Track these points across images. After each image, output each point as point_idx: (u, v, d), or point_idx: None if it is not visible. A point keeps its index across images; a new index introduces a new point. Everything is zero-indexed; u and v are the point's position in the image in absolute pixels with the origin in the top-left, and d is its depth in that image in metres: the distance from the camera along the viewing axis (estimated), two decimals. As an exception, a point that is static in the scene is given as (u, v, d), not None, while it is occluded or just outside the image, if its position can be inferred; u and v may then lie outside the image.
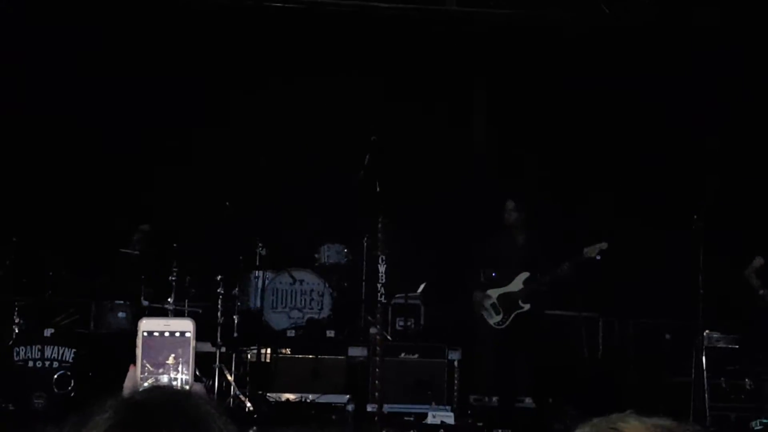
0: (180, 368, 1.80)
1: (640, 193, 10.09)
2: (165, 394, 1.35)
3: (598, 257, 7.88)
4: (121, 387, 1.70)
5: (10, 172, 9.97)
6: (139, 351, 1.78)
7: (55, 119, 10.12)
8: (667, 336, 9.33)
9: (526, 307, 8.17)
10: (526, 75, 10.49)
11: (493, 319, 8.22)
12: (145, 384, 1.76)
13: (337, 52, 10.44)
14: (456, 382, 8.65)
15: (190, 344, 1.81)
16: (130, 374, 1.79)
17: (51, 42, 9.99)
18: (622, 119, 10.30)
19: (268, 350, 9.04)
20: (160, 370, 1.79)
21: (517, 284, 8.21)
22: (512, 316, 8.17)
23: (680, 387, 8.49)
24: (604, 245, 7.90)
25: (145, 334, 1.79)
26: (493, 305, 8.23)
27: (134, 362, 1.80)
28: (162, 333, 1.79)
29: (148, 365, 1.79)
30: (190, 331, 1.81)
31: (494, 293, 8.24)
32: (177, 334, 1.80)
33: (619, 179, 10.22)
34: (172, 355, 1.80)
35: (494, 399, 8.55)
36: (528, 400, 8.52)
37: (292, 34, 10.42)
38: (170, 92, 10.17)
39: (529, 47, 10.45)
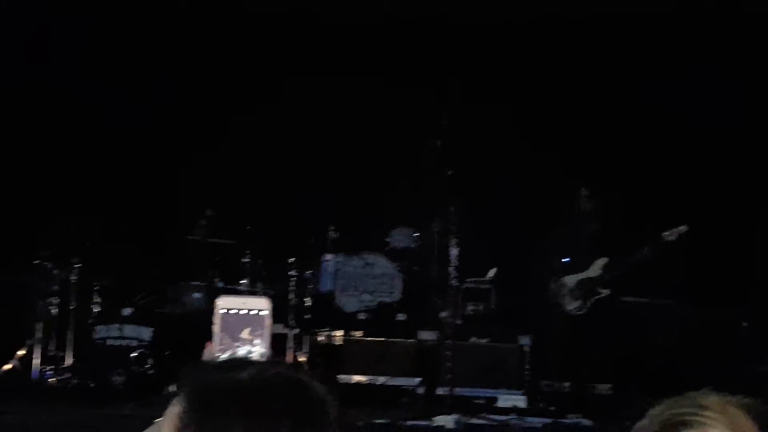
0: (256, 344, 1.85)
1: (719, 177, 9.89)
2: (260, 367, 1.32)
3: (677, 240, 7.79)
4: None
5: (84, 156, 10.20)
6: (216, 328, 1.83)
7: (122, 107, 10.32)
8: (744, 324, 9.15)
9: (605, 293, 8.12)
10: (596, 65, 10.36)
11: (571, 306, 8.18)
12: (221, 359, 1.81)
13: (411, 50, 10.45)
14: (527, 367, 8.63)
15: (266, 322, 1.85)
16: (207, 351, 1.83)
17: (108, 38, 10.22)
18: (699, 103, 10.11)
19: (340, 332, 9.14)
20: (237, 345, 1.84)
21: (595, 270, 8.16)
22: (590, 302, 8.13)
23: (758, 376, 8.33)
24: (683, 228, 7.80)
25: (223, 311, 1.84)
26: (571, 291, 8.18)
27: (211, 339, 1.85)
28: (239, 311, 1.84)
29: (225, 341, 1.84)
30: (266, 310, 1.85)
31: (572, 279, 8.20)
32: (254, 312, 1.85)
33: (698, 163, 10.03)
34: (248, 330, 1.85)
35: (566, 385, 8.51)
36: (601, 387, 8.46)
37: (363, 32, 10.47)
38: (238, 75, 10.30)
39: (604, 40, 10.33)
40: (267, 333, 1.85)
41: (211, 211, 9.54)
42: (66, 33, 10.10)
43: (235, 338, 1.84)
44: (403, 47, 10.44)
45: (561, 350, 8.46)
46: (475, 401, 8.21)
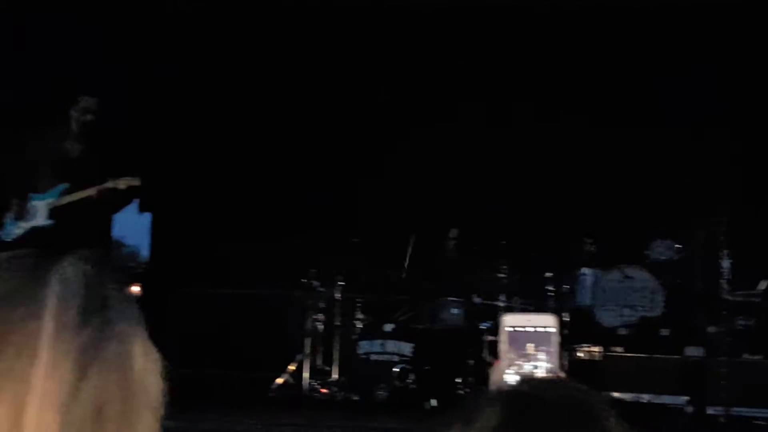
0: (544, 361, 1.82)
1: None
2: (550, 383, 1.36)
3: None
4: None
5: (347, 177, 10.60)
6: (503, 345, 1.83)
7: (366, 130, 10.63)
8: None
9: None
10: None
11: None
12: (508, 376, 1.80)
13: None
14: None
15: (552, 339, 1.83)
16: (495, 368, 1.83)
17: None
18: None
19: (599, 348, 8.93)
20: (524, 363, 1.82)
21: None
22: None
23: None
24: None
25: (509, 329, 1.83)
26: None
27: (497, 357, 1.84)
28: (525, 328, 1.83)
29: (512, 358, 1.83)
30: (552, 326, 1.83)
31: None
32: (540, 329, 1.83)
33: None
34: (534, 347, 1.83)
35: None
36: None
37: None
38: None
39: None
40: (554, 350, 1.83)
41: (455, 231, 9.56)
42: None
43: (522, 355, 1.83)
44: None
45: None
46: (755, 422, 7.74)
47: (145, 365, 1.04)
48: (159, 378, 1.06)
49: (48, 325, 0.96)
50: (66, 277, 1.00)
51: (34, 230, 7.65)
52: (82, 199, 7.50)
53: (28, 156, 7.79)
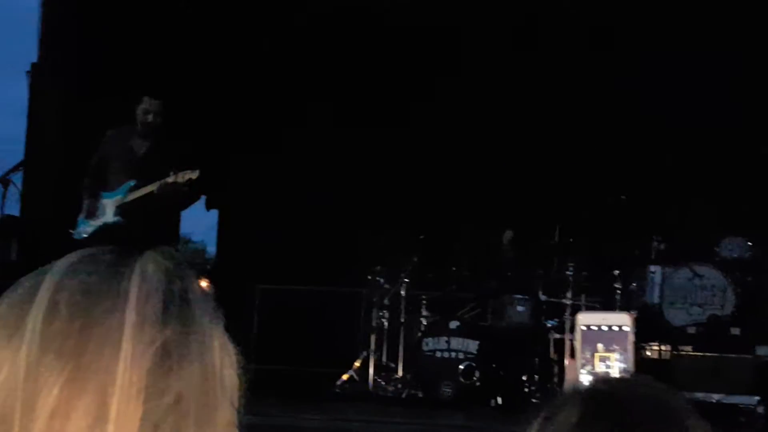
0: (619, 359, 1.81)
1: None
2: (629, 382, 1.34)
3: None
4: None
5: (410, 176, 10.60)
6: (578, 344, 1.81)
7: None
8: None
9: None
10: None
11: None
12: (582, 375, 1.78)
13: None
14: None
15: (627, 338, 1.81)
16: (569, 366, 1.81)
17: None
18: None
19: (668, 347, 8.80)
20: (598, 362, 1.81)
21: None
22: None
23: None
24: None
25: (584, 327, 1.82)
26: None
27: (572, 355, 1.83)
28: (600, 327, 1.81)
29: (586, 356, 1.81)
30: (627, 325, 1.81)
31: None
32: (615, 328, 1.81)
33: None
34: (608, 347, 1.81)
35: None
36: None
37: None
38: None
39: None
40: (629, 348, 1.81)
41: (509, 233, 9.46)
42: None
43: (597, 353, 1.81)
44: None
45: None
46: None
47: (223, 359, 1.05)
48: (235, 372, 1.07)
49: (131, 318, 0.98)
50: (148, 271, 1.02)
51: (103, 228, 7.76)
52: (145, 196, 7.57)
53: (99, 155, 7.91)
